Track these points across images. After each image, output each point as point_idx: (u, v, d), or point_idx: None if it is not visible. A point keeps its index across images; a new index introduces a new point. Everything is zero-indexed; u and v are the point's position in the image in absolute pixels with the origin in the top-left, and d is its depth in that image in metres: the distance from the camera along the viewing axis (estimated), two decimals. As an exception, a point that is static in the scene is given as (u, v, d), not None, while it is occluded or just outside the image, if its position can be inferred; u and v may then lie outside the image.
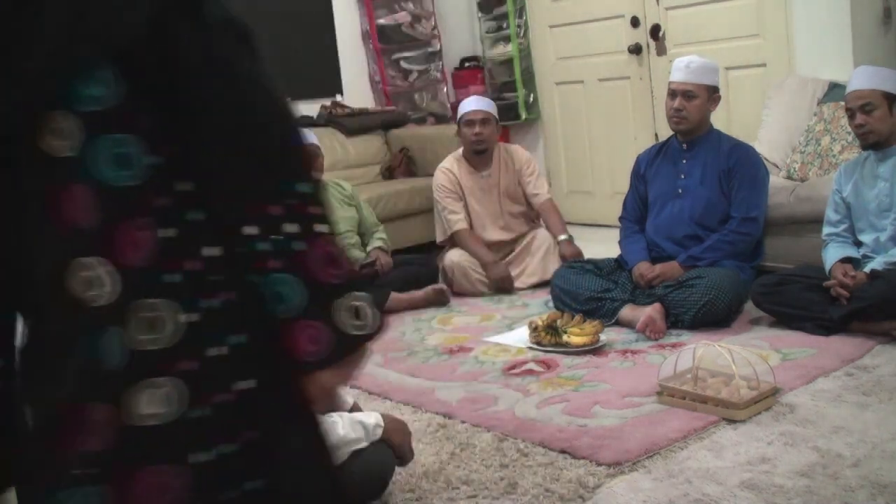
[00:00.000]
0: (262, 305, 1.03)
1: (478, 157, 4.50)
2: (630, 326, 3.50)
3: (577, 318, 3.45)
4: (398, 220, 4.91)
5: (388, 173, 5.52)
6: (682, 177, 3.77)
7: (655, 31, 5.27)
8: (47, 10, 0.99)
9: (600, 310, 3.60)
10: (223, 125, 1.02)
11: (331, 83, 5.82)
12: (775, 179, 4.01)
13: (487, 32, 6.20)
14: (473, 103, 4.49)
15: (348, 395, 2.47)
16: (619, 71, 5.55)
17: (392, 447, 2.24)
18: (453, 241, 4.47)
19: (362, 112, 5.67)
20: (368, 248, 4.44)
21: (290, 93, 1.09)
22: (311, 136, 4.43)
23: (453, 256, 4.38)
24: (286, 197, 1.02)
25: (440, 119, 6.17)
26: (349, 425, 2.12)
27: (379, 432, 2.18)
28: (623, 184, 4.27)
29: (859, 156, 3.44)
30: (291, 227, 1.02)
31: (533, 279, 4.35)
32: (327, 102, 5.71)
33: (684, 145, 3.79)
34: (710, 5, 4.99)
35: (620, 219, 4.01)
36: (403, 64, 6.07)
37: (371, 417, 2.20)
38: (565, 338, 3.32)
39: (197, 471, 1.02)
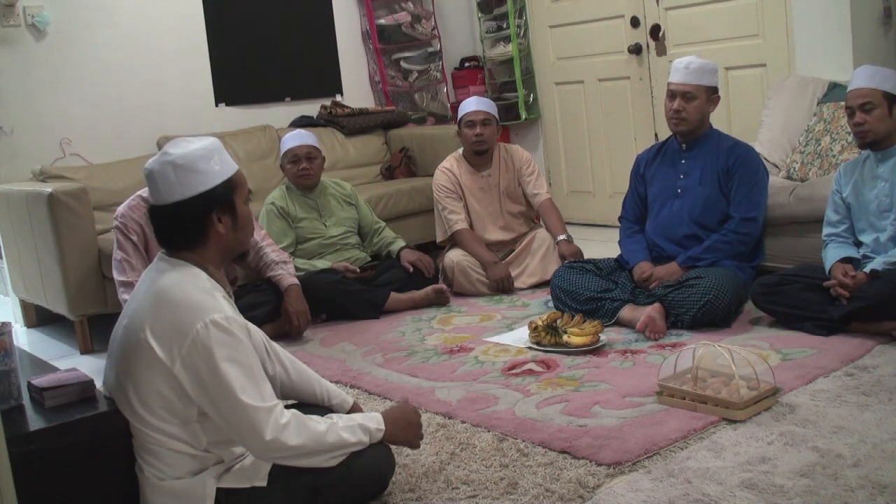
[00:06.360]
0: None
1: (478, 157, 4.50)
2: (630, 326, 3.50)
3: (577, 318, 3.45)
4: (398, 220, 4.90)
5: (388, 173, 5.52)
6: (682, 177, 3.77)
7: (655, 31, 5.27)
8: None
9: (600, 310, 3.60)
10: None
11: (331, 83, 5.82)
12: (775, 179, 4.01)
13: (487, 32, 6.20)
14: (474, 104, 4.49)
15: (348, 395, 2.47)
16: (618, 71, 5.56)
17: (396, 444, 2.25)
18: (453, 240, 4.47)
19: (362, 112, 5.67)
20: (391, 250, 4.43)
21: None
22: (311, 136, 4.42)
23: (453, 256, 4.38)
24: None
25: (440, 119, 6.17)
26: (349, 428, 2.11)
27: (380, 436, 2.18)
28: (623, 184, 4.27)
29: (859, 156, 3.44)
30: None
31: (533, 279, 4.35)
32: (327, 102, 5.70)
33: (683, 145, 3.79)
34: (710, 5, 5.00)
35: (620, 219, 4.01)
36: (403, 64, 6.06)
37: (372, 421, 2.18)
38: (565, 338, 3.32)
39: None
